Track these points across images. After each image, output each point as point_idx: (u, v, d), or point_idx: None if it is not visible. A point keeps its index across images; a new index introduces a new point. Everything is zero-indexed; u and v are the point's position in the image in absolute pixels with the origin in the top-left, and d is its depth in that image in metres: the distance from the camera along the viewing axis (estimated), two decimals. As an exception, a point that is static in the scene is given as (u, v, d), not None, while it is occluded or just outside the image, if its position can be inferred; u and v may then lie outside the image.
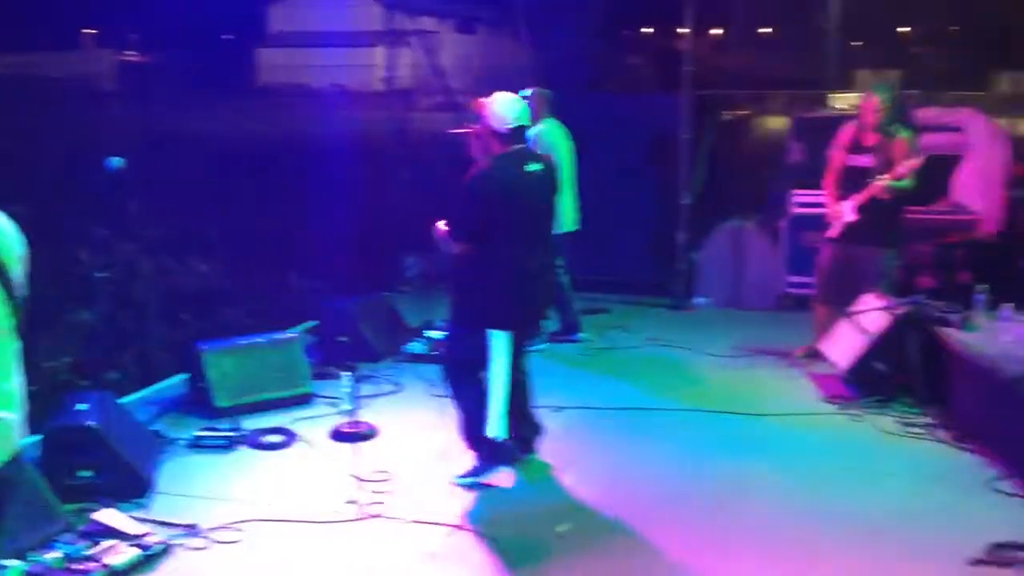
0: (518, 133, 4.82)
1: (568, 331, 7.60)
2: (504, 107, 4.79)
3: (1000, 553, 4.20)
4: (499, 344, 4.84)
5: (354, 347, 6.85)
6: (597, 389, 6.54)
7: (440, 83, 9.28)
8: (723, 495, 4.93)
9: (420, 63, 10.49)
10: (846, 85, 11.07)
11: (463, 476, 5.05)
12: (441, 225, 4.87)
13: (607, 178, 8.54)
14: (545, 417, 5.45)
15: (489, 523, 4.60)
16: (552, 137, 7.15)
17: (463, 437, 5.08)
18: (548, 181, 4.98)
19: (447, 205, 4.89)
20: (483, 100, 4.85)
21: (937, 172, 7.71)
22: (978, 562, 4.16)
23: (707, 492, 4.97)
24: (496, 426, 4.90)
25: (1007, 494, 4.87)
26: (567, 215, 7.17)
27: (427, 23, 10.94)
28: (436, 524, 4.57)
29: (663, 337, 7.73)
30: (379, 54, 10.69)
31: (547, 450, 5.32)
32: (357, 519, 4.62)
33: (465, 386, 5.01)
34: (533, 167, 4.85)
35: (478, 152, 4.88)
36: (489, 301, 4.84)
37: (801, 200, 8.19)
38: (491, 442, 4.97)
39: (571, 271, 7.42)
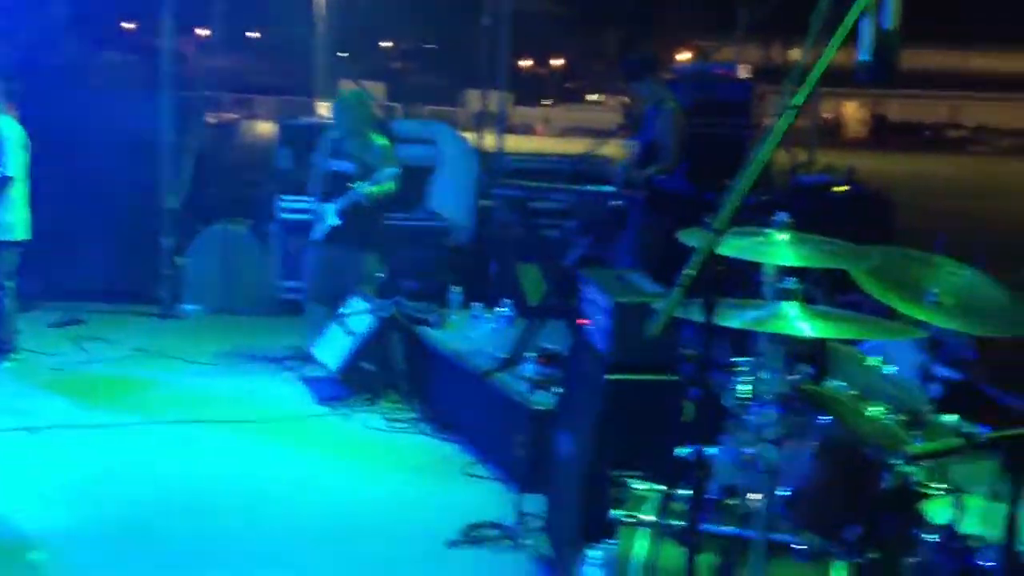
0: None
1: None
2: None
3: (474, 533, 4.56)
4: None
5: None
6: (75, 406, 6.07)
7: None
8: (206, 507, 4.81)
9: None
10: (332, 94, 11.40)
11: None
12: None
13: (82, 180, 7.95)
14: (17, 440, 4.97)
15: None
16: (8, 132, 6.54)
17: None
18: None
19: None
20: None
21: (415, 182, 8.19)
22: (455, 543, 4.47)
23: (188, 506, 4.82)
24: None
25: (481, 477, 5.30)
26: (17, 223, 6.63)
27: None
28: None
29: (150, 347, 7.39)
30: None
31: (19, 477, 4.87)
32: None
33: None
34: None
35: None
36: None
37: (289, 205, 8.26)
38: None
39: (26, 282, 6.80)
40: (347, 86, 11.48)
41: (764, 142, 2.01)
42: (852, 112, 70.20)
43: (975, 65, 73.02)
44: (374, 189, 6.66)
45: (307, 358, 6.92)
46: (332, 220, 6.77)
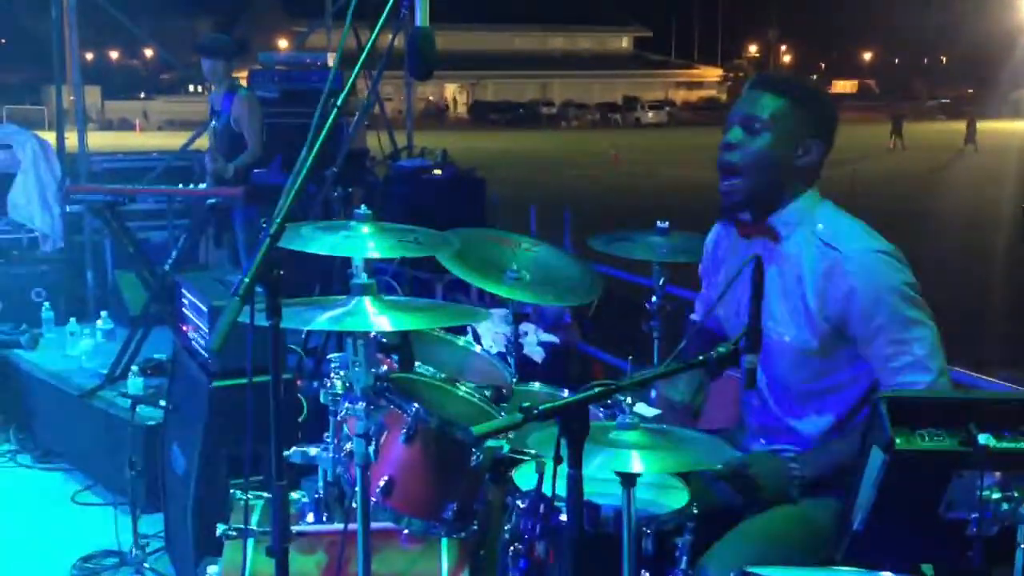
0: None
1: None
2: None
3: (89, 564, 4.26)
4: None
5: None
6: None
7: None
8: None
9: None
10: None
11: None
12: None
13: None
14: None
15: None
16: None
17: None
18: None
19: None
20: None
21: (-9, 190, 7.48)
22: (78, 580, 4.18)
23: None
24: None
25: (92, 504, 4.97)
26: None
27: None
28: None
29: None
30: None
31: None
32: None
33: None
34: None
35: None
36: None
37: None
38: None
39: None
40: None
41: (314, 140, 2.00)
42: (453, 94, 73.21)
43: (555, 45, 78.79)
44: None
45: None
46: None
